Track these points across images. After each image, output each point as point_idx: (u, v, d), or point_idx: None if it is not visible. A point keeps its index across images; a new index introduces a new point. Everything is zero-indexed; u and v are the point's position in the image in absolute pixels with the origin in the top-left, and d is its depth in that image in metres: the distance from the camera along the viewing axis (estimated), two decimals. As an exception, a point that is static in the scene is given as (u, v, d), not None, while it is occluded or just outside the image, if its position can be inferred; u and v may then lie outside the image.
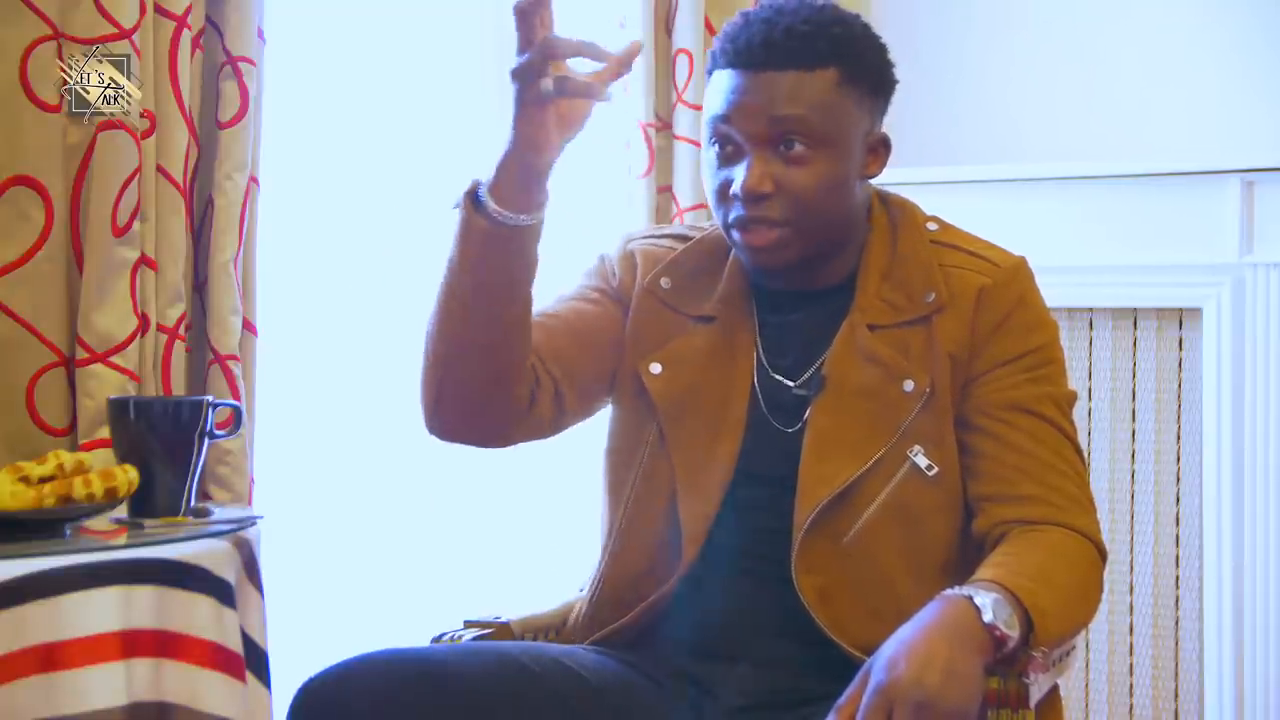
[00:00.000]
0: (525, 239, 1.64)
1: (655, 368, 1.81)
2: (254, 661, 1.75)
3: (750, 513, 1.77)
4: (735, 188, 1.72)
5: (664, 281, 1.85)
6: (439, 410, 1.74)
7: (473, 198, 1.64)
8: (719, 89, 1.75)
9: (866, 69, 1.76)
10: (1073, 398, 1.80)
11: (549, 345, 1.77)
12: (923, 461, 1.73)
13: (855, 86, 1.74)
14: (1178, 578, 2.88)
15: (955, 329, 1.75)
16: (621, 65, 1.56)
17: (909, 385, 1.74)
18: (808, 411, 1.77)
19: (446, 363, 1.70)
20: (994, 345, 1.75)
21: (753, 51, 1.72)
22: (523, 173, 1.61)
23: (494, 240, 1.63)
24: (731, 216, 1.74)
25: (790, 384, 1.79)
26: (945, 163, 3.12)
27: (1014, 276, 1.78)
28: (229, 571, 1.70)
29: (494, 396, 1.73)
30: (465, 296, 1.67)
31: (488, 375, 1.71)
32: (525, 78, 1.54)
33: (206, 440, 1.86)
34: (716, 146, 1.75)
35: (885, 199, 1.85)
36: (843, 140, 1.74)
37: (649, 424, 1.81)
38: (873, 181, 1.82)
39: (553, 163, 1.61)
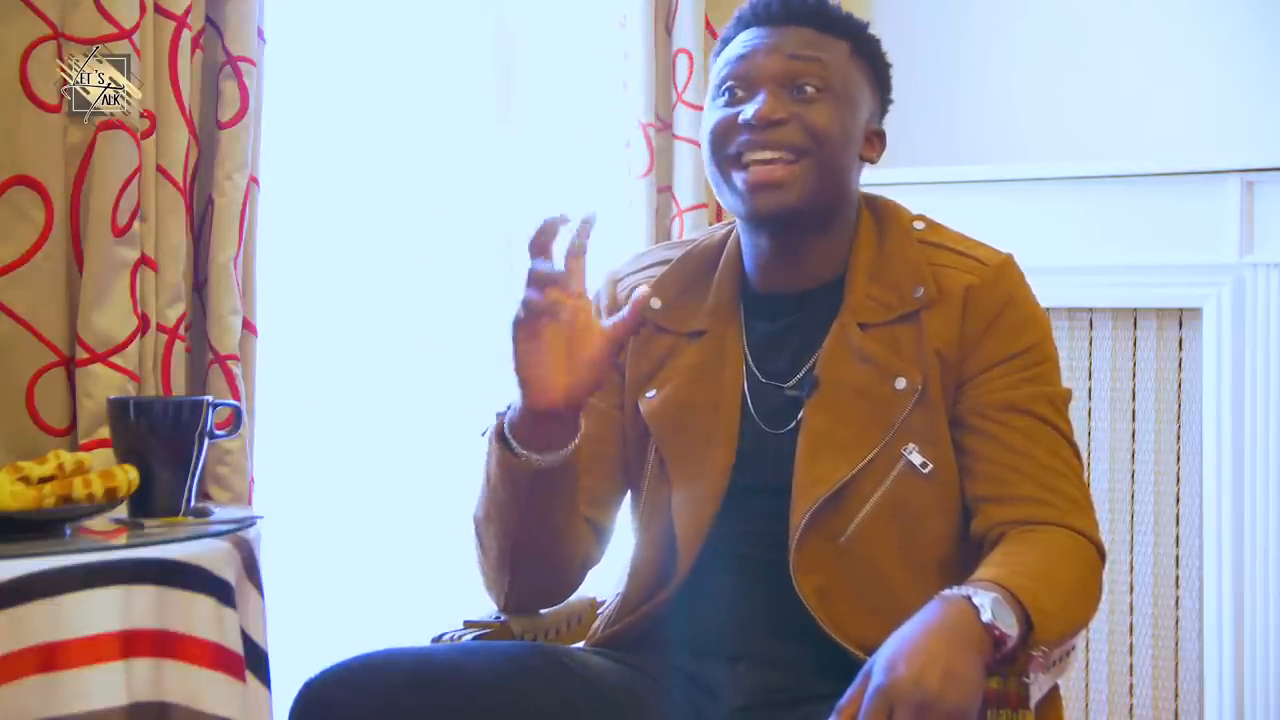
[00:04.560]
0: (557, 474, 1.66)
1: (650, 393, 1.82)
2: (254, 661, 1.75)
3: (748, 516, 1.76)
4: (746, 115, 1.73)
5: (654, 302, 1.85)
6: (508, 610, 1.82)
7: (500, 434, 1.66)
8: (733, 46, 1.79)
9: (873, 53, 1.81)
10: (1068, 396, 1.79)
11: None
12: (917, 459, 1.73)
13: (862, 64, 1.79)
14: (1178, 578, 2.88)
15: (944, 327, 1.75)
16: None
17: (901, 383, 1.74)
18: (801, 412, 1.77)
19: (511, 568, 1.74)
20: (985, 346, 1.75)
21: (770, 9, 1.77)
22: (536, 418, 1.63)
23: (525, 475, 1.66)
24: (734, 148, 1.74)
25: (783, 386, 1.79)
26: (945, 163, 3.12)
27: (1001, 274, 1.78)
28: (229, 571, 1.70)
29: (558, 590, 1.82)
30: (509, 515, 1.70)
31: (549, 579, 1.79)
32: (526, 310, 1.57)
33: (206, 440, 1.86)
34: (727, 94, 1.76)
35: (871, 201, 1.85)
36: (851, 99, 1.77)
37: (651, 446, 1.82)
38: (863, 184, 1.84)
39: (565, 407, 1.61)
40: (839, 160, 1.75)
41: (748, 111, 1.73)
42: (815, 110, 1.73)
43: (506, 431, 1.65)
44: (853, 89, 1.77)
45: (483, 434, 1.69)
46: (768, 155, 1.72)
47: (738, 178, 1.74)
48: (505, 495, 1.69)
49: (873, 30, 1.83)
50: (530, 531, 1.71)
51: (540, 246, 1.57)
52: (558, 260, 1.58)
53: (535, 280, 1.57)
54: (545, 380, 1.59)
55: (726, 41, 1.81)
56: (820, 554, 1.72)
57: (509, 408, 1.65)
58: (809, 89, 1.74)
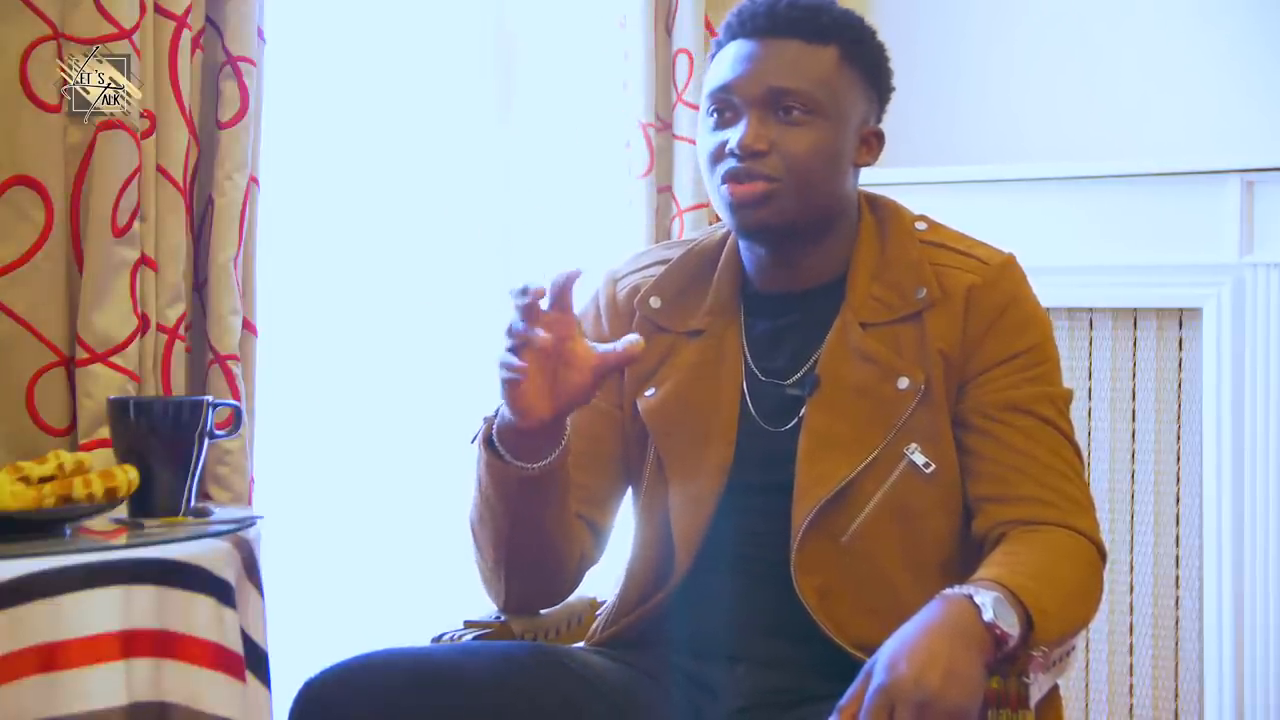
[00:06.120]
0: (546, 479, 1.67)
1: (649, 392, 1.82)
2: (254, 661, 1.75)
3: (747, 515, 1.76)
4: (731, 144, 1.73)
5: (654, 300, 1.85)
6: (507, 610, 1.83)
7: (487, 441, 1.67)
8: (721, 61, 1.78)
9: (865, 54, 1.79)
10: (1069, 396, 1.79)
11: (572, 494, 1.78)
12: (920, 459, 1.73)
13: (854, 68, 1.77)
14: (1178, 578, 2.88)
15: (946, 327, 1.75)
16: (629, 357, 1.61)
17: (903, 382, 1.74)
18: (802, 411, 1.77)
19: (507, 571, 1.75)
20: (988, 345, 1.75)
21: (756, 20, 1.76)
22: (521, 435, 1.64)
23: (514, 481, 1.67)
24: (724, 170, 1.75)
25: (782, 384, 1.79)
26: (945, 163, 3.12)
27: (1003, 274, 1.78)
28: (229, 571, 1.70)
29: (555, 591, 1.83)
30: (501, 519, 1.71)
31: (545, 581, 1.80)
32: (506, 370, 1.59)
33: (206, 440, 1.86)
34: (715, 115, 1.77)
35: (872, 201, 1.85)
36: (840, 115, 1.75)
37: (650, 445, 1.82)
38: (863, 184, 1.83)
39: (552, 423, 1.63)
40: (823, 184, 1.75)
41: (732, 140, 1.73)
42: (798, 136, 1.73)
43: (494, 438, 1.66)
44: (842, 102, 1.75)
45: (471, 440, 1.70)
46: (750, 178, 1.73)
47: (726, 193, 1.75)
48: (496, 500, 1.69)
49: (870, 25, 1.81)
50: (523, 535, 1.71)
51: (529, 311, 1.57)
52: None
53: (515, 342, 1.58)
54: (532, 406, 1.61)
55: (720, 45, 1.80)
56: (822, 554, 1.72)
57: (496, 413, 1.65)
58: (795, 111, 1.73)
